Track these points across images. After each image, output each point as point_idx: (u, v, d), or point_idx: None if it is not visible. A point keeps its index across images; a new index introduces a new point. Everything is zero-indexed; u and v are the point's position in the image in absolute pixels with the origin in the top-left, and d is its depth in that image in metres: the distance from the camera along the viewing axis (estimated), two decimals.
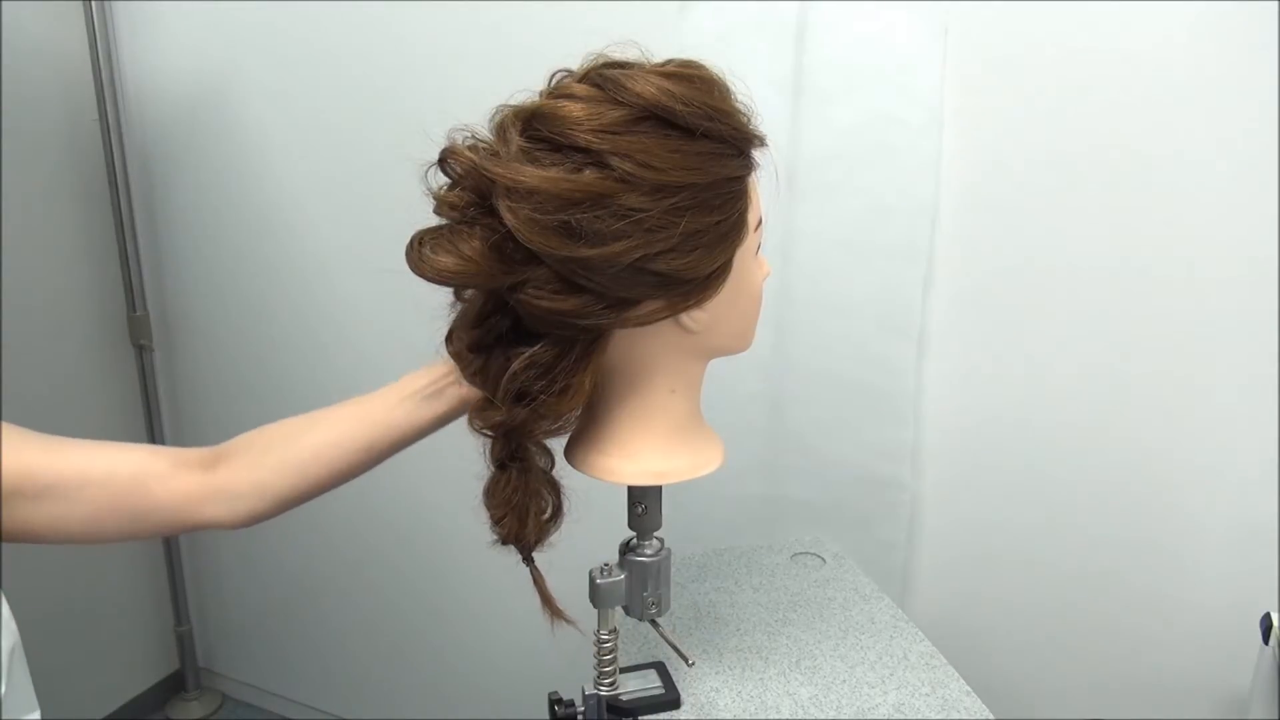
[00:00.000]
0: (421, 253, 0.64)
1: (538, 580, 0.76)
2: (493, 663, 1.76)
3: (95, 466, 0.69)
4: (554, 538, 0.75)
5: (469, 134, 0.65)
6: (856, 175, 1.26)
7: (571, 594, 0.78)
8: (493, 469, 0.72)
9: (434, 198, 0.66)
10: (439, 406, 0.75)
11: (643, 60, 0.66)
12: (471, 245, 0.62)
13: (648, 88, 0.62)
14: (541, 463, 0.74)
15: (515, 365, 0.66)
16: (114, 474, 0.70)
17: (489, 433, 0.70)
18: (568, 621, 0.76)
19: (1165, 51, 1.11)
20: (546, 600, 0.76)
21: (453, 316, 0.72)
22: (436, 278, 0.64)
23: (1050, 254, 1.21)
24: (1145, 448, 1.22)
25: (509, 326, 0.67)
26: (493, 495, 0.73)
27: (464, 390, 0.74)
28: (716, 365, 0.76)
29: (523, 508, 0.72)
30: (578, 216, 0.60)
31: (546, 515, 0.74)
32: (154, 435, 1.94)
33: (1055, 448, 1.27)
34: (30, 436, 0.69)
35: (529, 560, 0.76)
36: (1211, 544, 1.21)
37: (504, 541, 0.74)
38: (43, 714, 0.72)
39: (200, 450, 0.74)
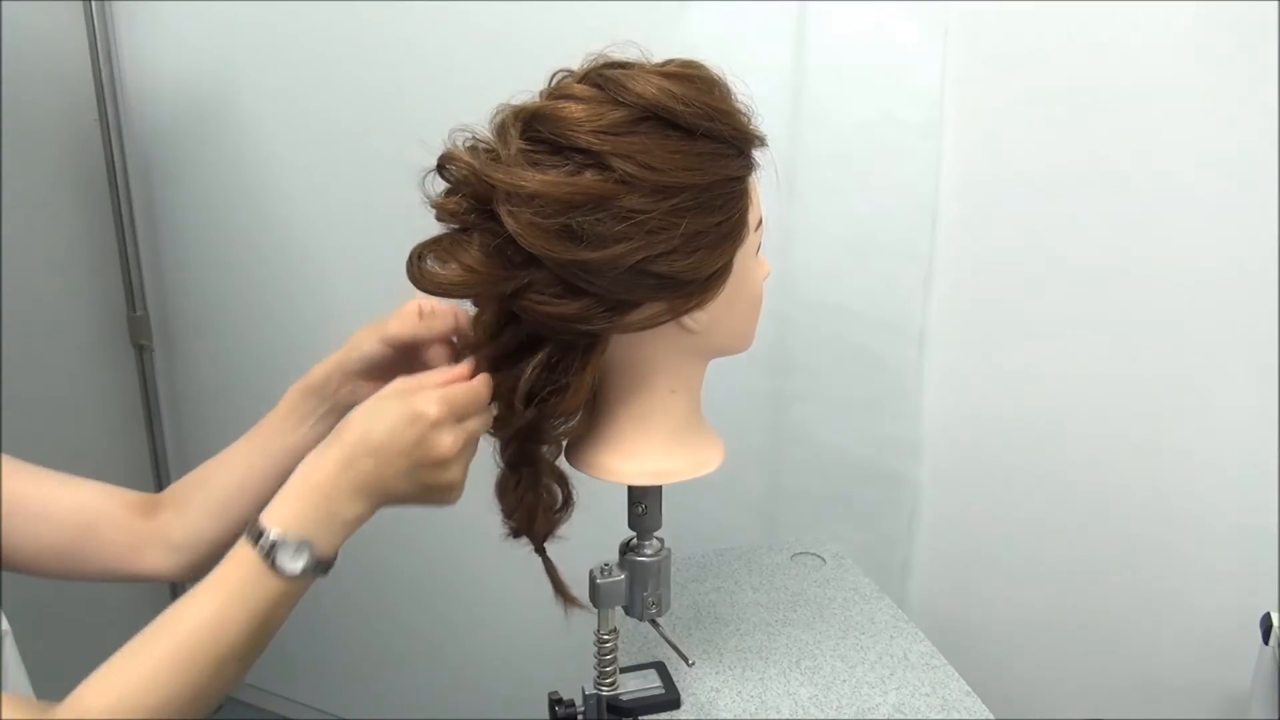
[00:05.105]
0: (422, 267, 0.64)
1: (550, 570, 0.77)
2: (493, 663, 1.76)
3: (49, 506, 0.70)
4: (561, 530, 0.76)
5: (469, 134, 0.65)
6: (856, 175, 1.26)
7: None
8: (503, 467, 0.73)
9: (432, 205, 0.65)
10: (331, 423, 0.73)
11: (643, 60, 0.66)
12: (471, 254, 0.62)
13: (648, 88, 0.62)
14: (549, 456, 0.75)
15: (528, 373, 0.66)
16: (67, 516, 0.70)
17: (499, 434, 0.70)
18: (581, 607, 0.76)
19: (1166, 51, 1.11)
20: (559, 588, 0.77)
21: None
22: (439, 291, 0.64)
23: (1050, 252, 1.21)
24: (1146, 447, 1.22)
25: (523, 338, 0.67)
26: (504, 492, 0.74)
27: (350, 402, 0.72)
28: (719, 363, 0.76)
29: (532, 505, 0.73)
30: (579, 219, 0.60)
31: (556, 507, 0.74)
32: (154, 436, 1.94)
33: (1056, 447, 1.27)
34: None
35: (541, 551, 0.76)
36: (1211, 544, 1.21)
37: (515, 535, 0.75)
38: None
39: (143, 495, 0.75)
